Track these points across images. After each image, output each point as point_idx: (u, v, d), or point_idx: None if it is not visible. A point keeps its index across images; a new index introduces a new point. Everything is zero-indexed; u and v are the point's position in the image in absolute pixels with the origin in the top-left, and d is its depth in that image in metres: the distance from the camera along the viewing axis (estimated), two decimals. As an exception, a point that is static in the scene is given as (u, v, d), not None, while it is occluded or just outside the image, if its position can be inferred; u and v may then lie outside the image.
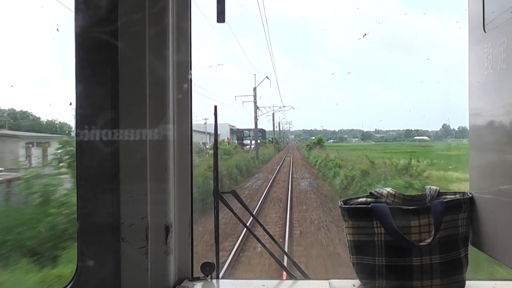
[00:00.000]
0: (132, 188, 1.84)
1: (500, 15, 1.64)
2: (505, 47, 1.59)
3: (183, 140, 1.99)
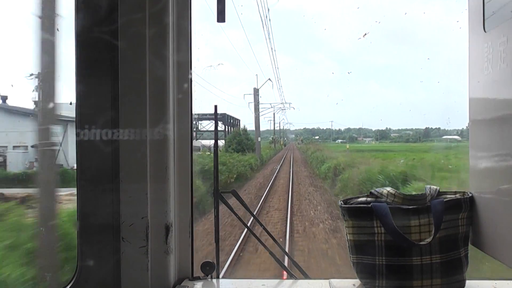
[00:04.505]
0: (132, 187, 1.84)
1: (500, 15, 1.64)
2: (505, 46, 1.59)
3: (183, 139, 1.99)
